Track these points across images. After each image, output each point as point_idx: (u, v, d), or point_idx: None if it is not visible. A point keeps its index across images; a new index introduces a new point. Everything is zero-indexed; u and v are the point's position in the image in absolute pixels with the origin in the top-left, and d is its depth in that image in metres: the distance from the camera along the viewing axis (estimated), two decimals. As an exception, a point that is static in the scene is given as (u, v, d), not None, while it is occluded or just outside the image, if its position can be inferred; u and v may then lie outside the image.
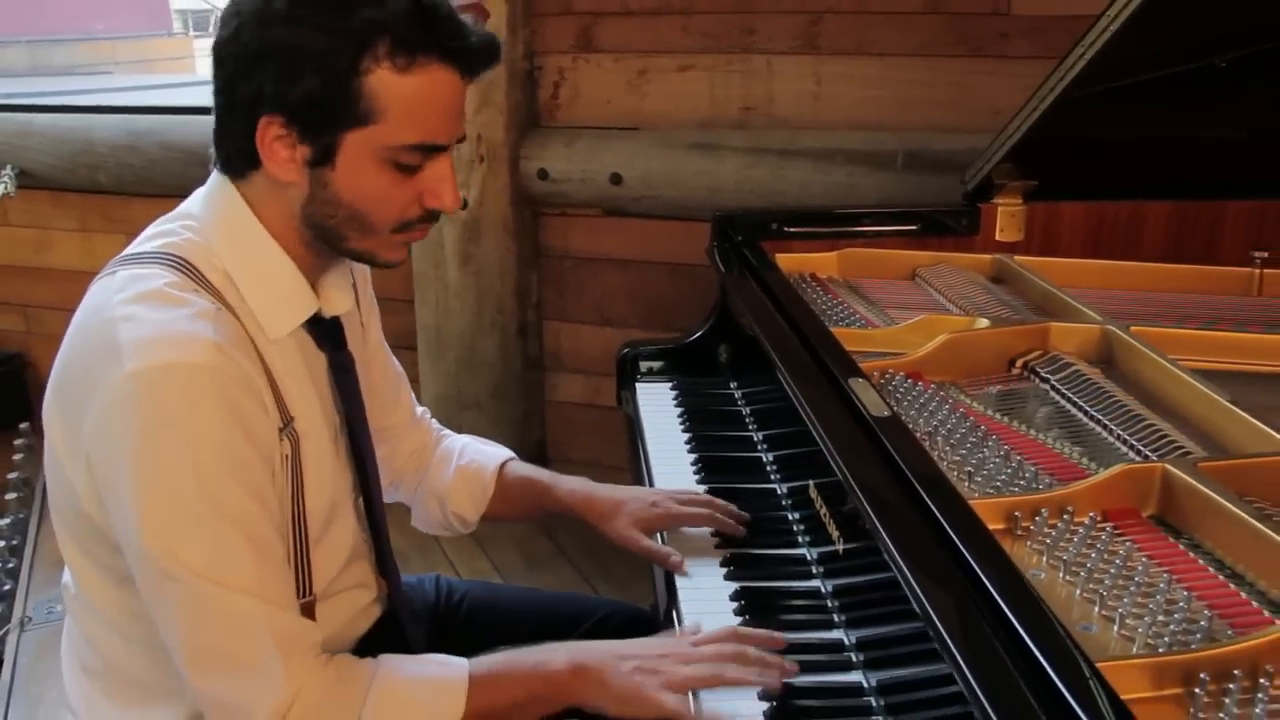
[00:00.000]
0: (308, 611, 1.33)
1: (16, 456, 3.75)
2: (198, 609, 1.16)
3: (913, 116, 2.79)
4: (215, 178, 1.29)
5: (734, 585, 1.45)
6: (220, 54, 1.22)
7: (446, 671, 1.26)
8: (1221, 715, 0.96)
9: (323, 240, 1.28)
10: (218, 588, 1.15)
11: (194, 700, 1.24)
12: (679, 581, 1.47)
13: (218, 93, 1.23)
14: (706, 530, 1.57)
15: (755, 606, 1.40)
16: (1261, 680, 1.00)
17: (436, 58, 1.20)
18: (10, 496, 3.48)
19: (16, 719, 2.59)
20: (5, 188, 3.68)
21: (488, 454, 1.70)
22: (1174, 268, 2.14)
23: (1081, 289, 1.99)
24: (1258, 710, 0.96)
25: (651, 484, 1.74)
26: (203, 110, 3.69)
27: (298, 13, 1.16)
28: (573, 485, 1.65)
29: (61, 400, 1.23)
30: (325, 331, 1.36)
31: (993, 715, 0.90)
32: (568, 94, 3.12)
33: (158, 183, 3.54)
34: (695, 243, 2.31)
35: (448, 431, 1.75)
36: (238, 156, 1.25)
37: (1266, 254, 2.12)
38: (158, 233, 1.29)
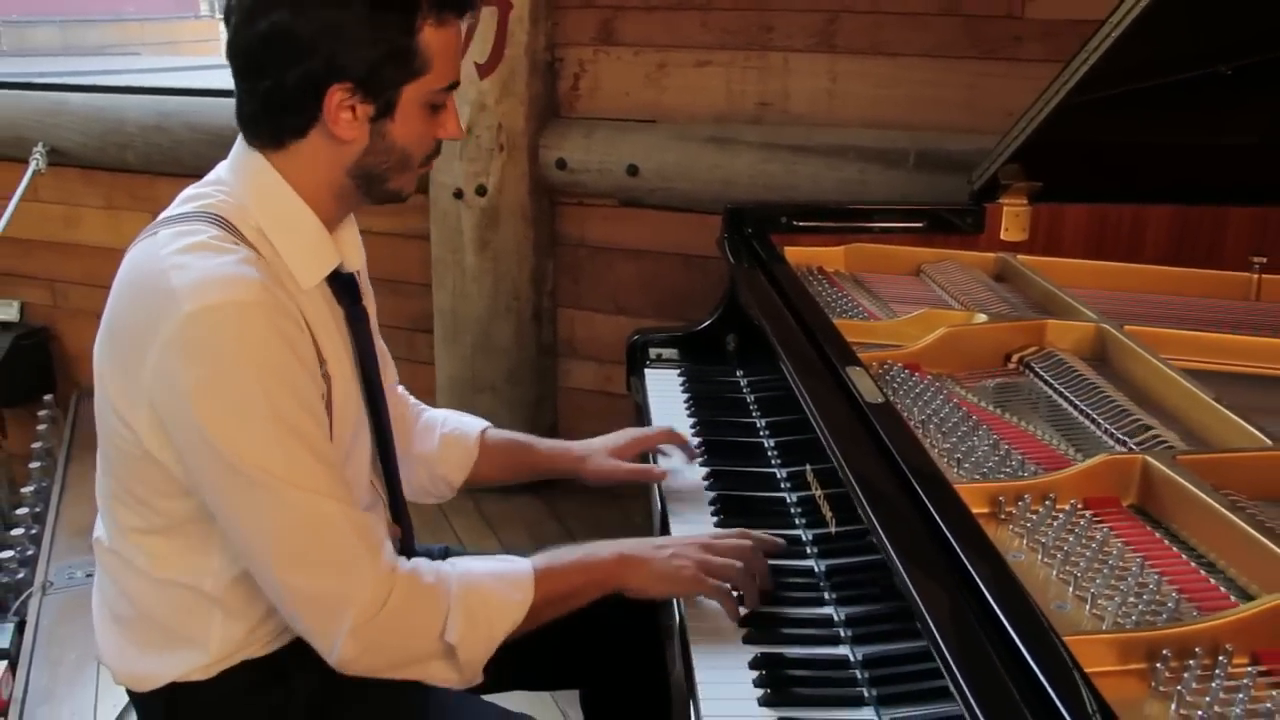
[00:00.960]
0: None
1: (41, 427, 3.83)
2: (284, 512, 1.28)
3: (926, 116, 2.84)
4: (243, 150, 1.40)
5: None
6: (265, 42, 1.31)
7: (514, 567, 1.41)
8: (1180, 689, 1.02)
9: (364, 186, 1.41)
10: (299, 490, 1.28)
11: (286, 606, 1.33)
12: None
13: (262, 76, 1.33)
14: (709, 519, 1.65)
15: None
16: (1220, 658, 1.06)
17: (455, 10, 1.36)
18: (34, 465, 3.57)
19: (38, 679, 2.68)
20: (37, 164, 3.76)
21: (468, 422, 1.81)
22: (1173, 271, 2.19)
23: (1082, 289, 2.04)
24: (1214, 685, 1.02)
25: (661, 498, 1.77)
26: (228, 93, 3.77)
27: None
28: (550, 442, 1.83)
29: (116, 351, 1.33)
30: (343, 286, 1.46)
31: (966, 688, 0.96)
32: (587, 85, 3.19)
33: (184, 163, 3.62)
34: (708, 234, 2.37)
35: (423, 405, 1.85)
36: (287, 130, 1.36)
37: (1265, 260, 2.16)
38: (192, 195, 1.40)
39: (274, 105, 1.35)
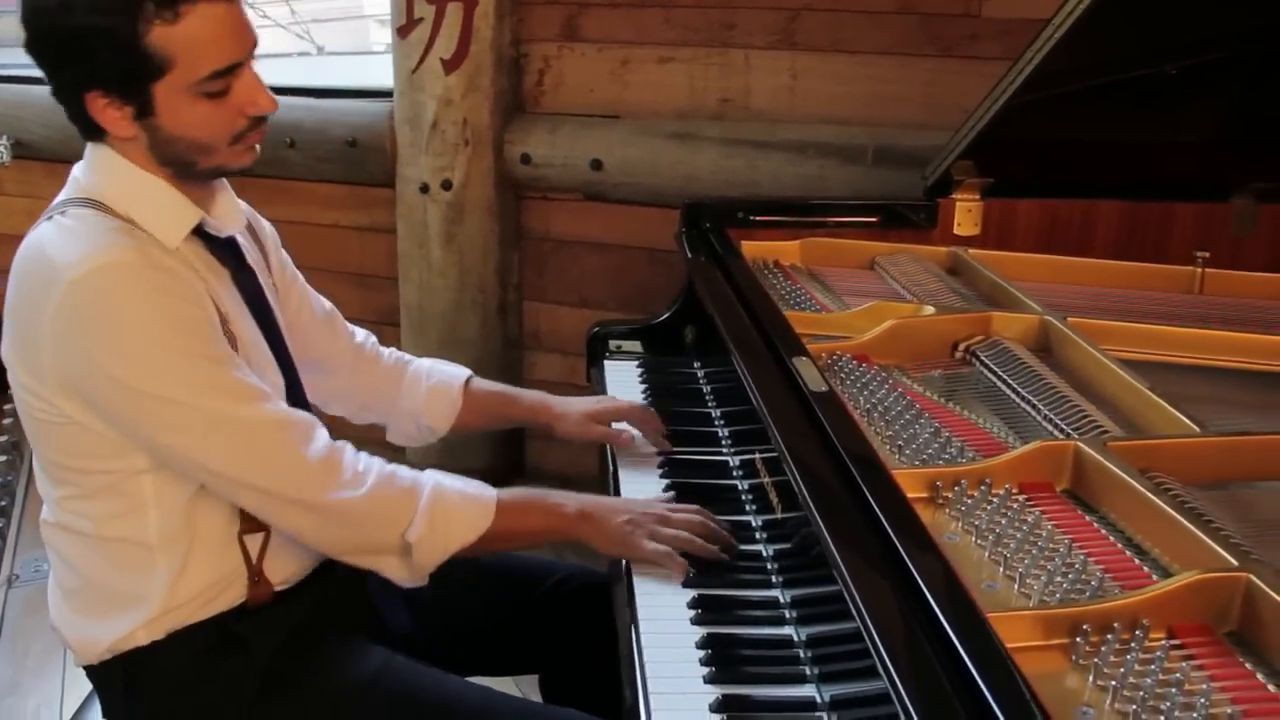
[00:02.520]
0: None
1: (5, 421, 3.83)
2: (213, 425, 1.39)
3: (884, 113, 2.88)
4: (88, 146, 1.49)
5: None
6: (32, 51, 1.41)
7: (481, 491, 1.54)
8: (1097, 661, 1.07)
9: (179, 169, 1.47)
10: (220, 400, 1.39)
11: (251, 506, 1.46)
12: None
13: (46, 80, 1.42)
14: (658, 483, 1.74)
15: (704, 567, 1.50)
16: (1137, 633, 1.11)
17: (178, 4, 1.37)
18: (-1, 459, 3.57)
19: (4, 671, 2.69)
20: (1, 157, 3.76)
21: (452, 372, 1.92)
22: (1120, 265, 2.24)
23: (1032, 282, 2.10)
24: (1128, 658, 1.07)
25: (613, 457, 1.84)
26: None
27: (77, 2, 1.35)
28: (533, 394, 1.96)
29: (17, 335, 1.44)
30: (224, 249, 1.54)
31: (890, 665, 1.00)
32: (552, 81, 3.22)
33: (151, 156, 3.63)
34: (671, 228, 2.40)
35: (409, 356, 1.93)
36: (86, 127, 1.45)
37: (1208, 254, 2.22)
38: (64, 193, 1.49)
39: (68, 113, 1.45)
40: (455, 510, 1.50)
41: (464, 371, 1.92)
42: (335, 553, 1.52)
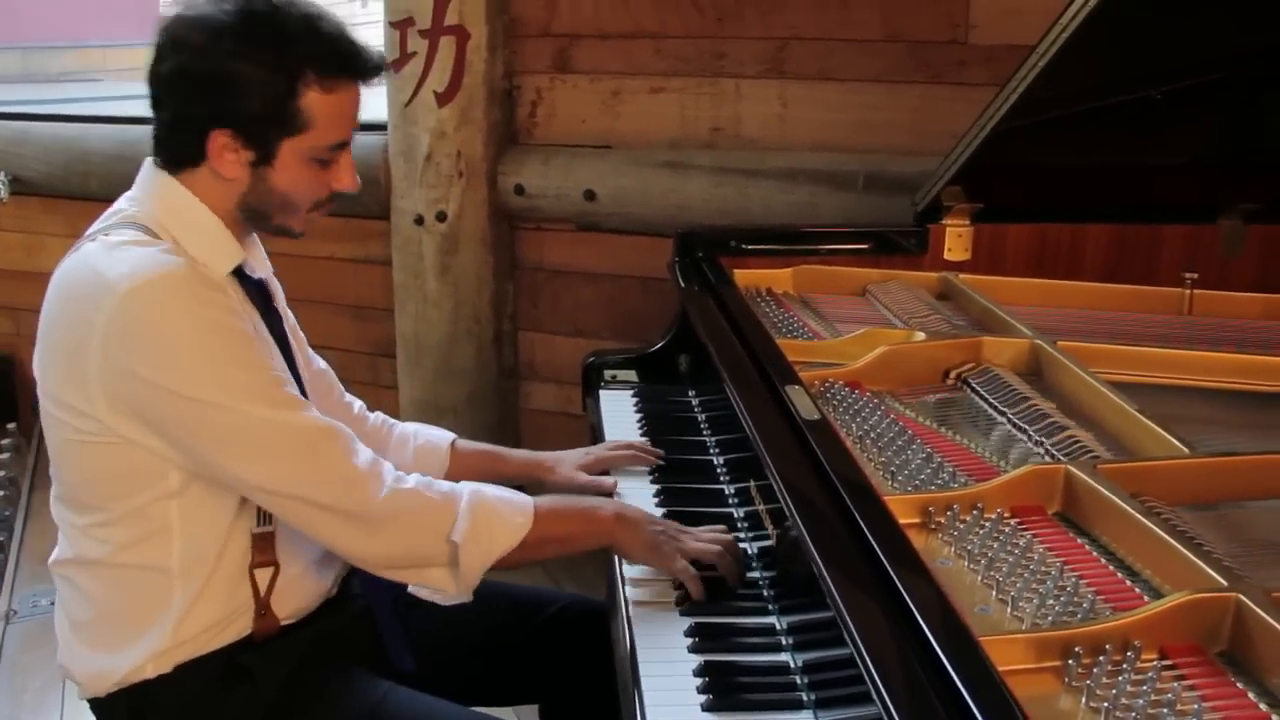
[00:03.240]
0: (267, 541, 1.53)
1: (3, 456, 3.84)
2: (261, 432, 1.42)
3: (873, 139, 2.91)
4: (150, 171, 1.53)
5: (679, 576, 1.56)
6: (168, 79, 1.47)
7: (519, 497, 1.56)
8: (1089, 683, 1.08)
9: (252, 219, 1.55)
10: (269, 408, 1.42)
11: (293, 519, 1.47)
12: (628, 571, 1.59)
13: (162, 108, 1.49)
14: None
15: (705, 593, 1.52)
16: (1129, 654, 1.12)
17: (349, 79, 1.50)
18: (-3, 494, 3.58)
19: (2, 707, 2.69)
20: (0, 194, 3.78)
21: (438, 434, 1.93)
22: (1110, 287, 2.26)
23: (1022, 306, 2.12)
24: (1120, 679, 1.08)
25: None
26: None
27: (244, 49, 1.43)
28: (520, 452, 1.98)
29: (59, 353, 1.46)
30: (255, 288, 1.59)
31: (884, 690, 1.01)
32: (545, 113, 3.24)
33: (147, 192, 3.65)
34: (664, 257, 2.42)
35: (394, 420, 1.95)
36: (183, 158, 1.50)
37: (1196, 275, 2.24)
38: (108, 215, 1.53)
39: (171, 136, 1.50)
40: (496, 513, 1.51)
41: (449, 434, 1.93)
42: (383, 564, 1.52)
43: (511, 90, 3.25)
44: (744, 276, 2.25)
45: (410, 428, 1.93)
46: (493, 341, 3.36)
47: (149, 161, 1.55)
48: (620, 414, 2.13)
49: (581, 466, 1.88)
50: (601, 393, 2.22)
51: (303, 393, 1.59)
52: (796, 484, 1.35)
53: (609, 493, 1.82)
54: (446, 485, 1.52)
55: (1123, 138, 2.26)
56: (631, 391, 2.22)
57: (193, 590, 1.48)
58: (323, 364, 1.85)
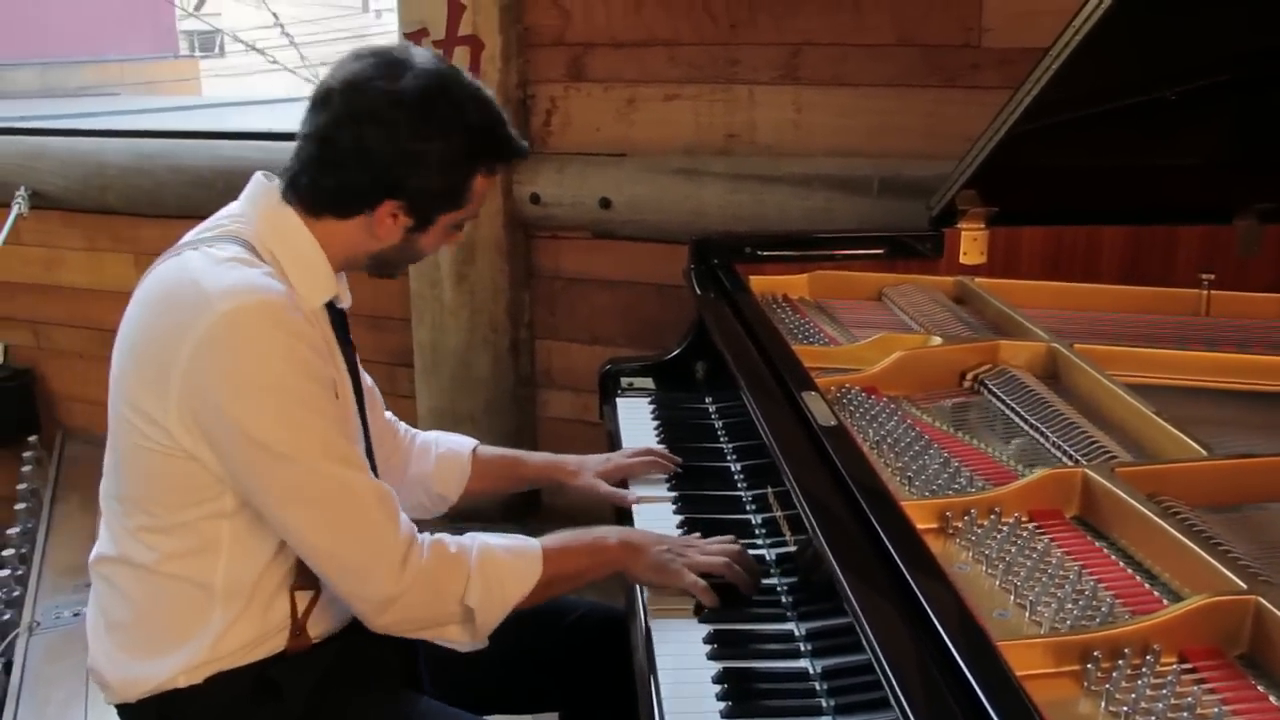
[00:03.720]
0: None
1: (25, 469, 3.86)
2: (316, 484, 1.43)
3: (888, 144, 2.91)
4: (269, 196, 1.56)
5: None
6: (350, 149, 1.50)
7: (525, 544, 1.57)
8: (1108, 687, 1.08)
9: (373, 266, 1.62)
10: (329, 464, 1.44)
11: (325, 573, 1.48)
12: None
13: (332, 172, 1.51)
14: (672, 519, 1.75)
15: (721, 600, 1.52)
16: (1148, 658, 1.12)
17: (503, 163, 1.62)
18: (20, 507, 3.60)
19: (26, 718, 2.70)
20: (19, 208, 3.81)
21: (459, 441, 1.96)
22: (1126, 289, 2.26)
23: (1039, 309, 2.11)
24: (1140, 683, 1.08)
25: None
26: (209, 135, 3.83)
27: (431, 132, 1.49)
28: (540, 455, 1.99)
29: (144, 356, 1.48)
30: (338, 320, 1.61)
31: (903, 696, 1.01)
32: (559, 122, 3.25)
33: (166, 204, 3.68)
34: (680, 264, 2.43)
35: (416, 430, 1.96)
36: (330, 213, 1.54)
37: (1213, 276, 2.23)
38: (211, 225, 1.56)
39: (334, 198, 1.53)
40: (506, 567, 1.53)
41: (470, 441, 1.95)
42: (402, 631, 1.51)
43: (526, 99, 3.26)
44: (760, 283, 2.26)
45: (431, 436, 1.94)
46: (509, 350, 3.37)
47: (266, 185, 1.57)
48: (637, 421, 2.13)
49: (601, 474, 1.89)
50: (618, 400, 2.23)
51: (366, 432, 1.64)
52: (813, 490, 1.35)
53: (629, 507, 1.82)
54: (455, 545, 1.52)
55: (1137, 139, 2.25)
56: (648, 399, 2.22)
57: (234, 609, 1.50)
58: (369, 380, 1.86)
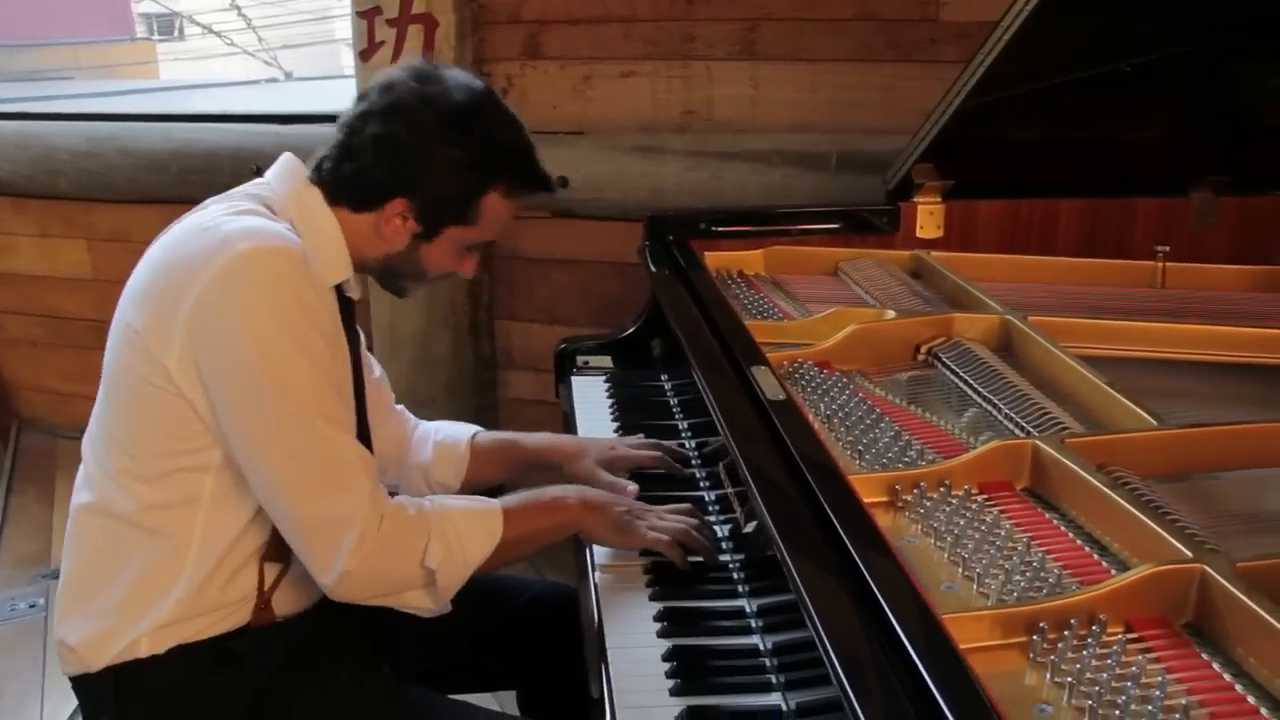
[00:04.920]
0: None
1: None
2: (305, 437, 1.42)
3: (846, 119, 2.90)
4: (300, 177, 1.56)
5: (649, 559, 1.56)
6: (374, 139, 1.51)
7: (485, 504, 1.56)
8: (1054, 658, 1.07)
9: (382, 273, 1.62)
10: (321, 420, 1.43)
11: (293, 533, 1.46)
12: (598, 557, 1.58)
13: (354, 159, 1.52)
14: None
15: (669, 578, 1.51)
16: (1094, 628, 1.11)
17: (526, 192, 1.60)
18: (-27, 498, 3.55)
19: (-20, 714, 2.67)
20: (-33, 194, 3.75)
21: (459, 429, 1.93)
22: (1082, 262, 2.26)
23: (995, 282, 2.10)
24: (1085, 653, 1.07)
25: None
26: (163, 117, 3.77)
27: (455, 138, 1.50)
28: (539, 436, 1.93)
29: (155, 291, 1.46)
30: (345, 306, 1.58)
31: (843, 674, 1.00)
32: (515, 100, 3.20)
33: (118, 188, 3.62)
34: (639, 242, 2.41)
35: (417, 419, 1.94)
36: (348, 202, 1.54)
37: (1169, 248, 2.23)
38: (234, 189, 1.57)
39: (349, 185, 1.54)
40: (466, 528, 1.51)
41: (469, 428, 1.92)
42: (361, 596, 1.49)
43: (481, 77, 3.21)
44: (715, 259, 2.24)
45: (431, 426, 1.93)
46: (469, 331, 3.35)
47: (295, 163, 1.58)
48: (592, 400, 2.12)
49: (603, 461, 1.81)
50: (573, 379, 2.21)
51: (361, 416, 1.60)
52: (759, 464, 1.34)
53: (631, 497, 1.74)
54: (414, 508, 1.50)
55: (1094, 112, 2.25)
56: (604, 377, 2.21)
57: (203, 571, 1.48)
58: (379, 371, 1.85)
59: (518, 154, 1.57)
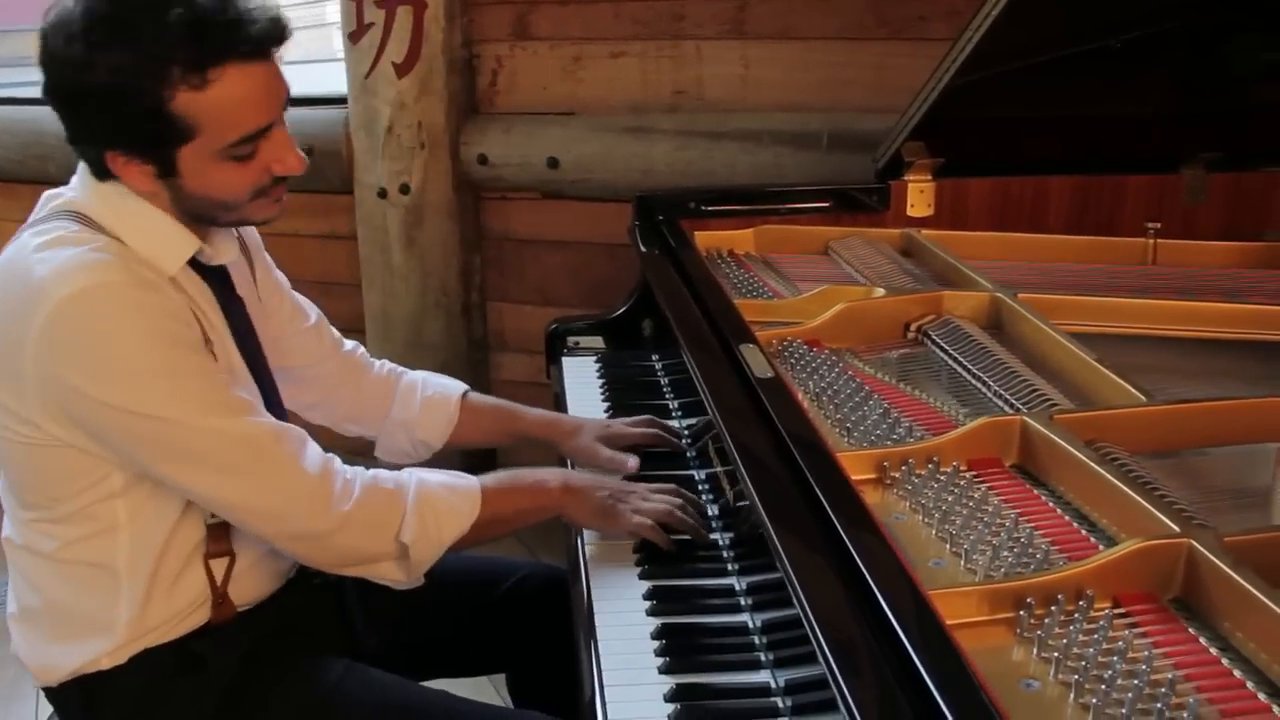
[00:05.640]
0: (222, 530, 1.49)
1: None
2: (206, 440, 1.36)
3: (836, 98, 2.88)
4: (84, 168, 1.43)
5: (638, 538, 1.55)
6: (50, 96, 1.35)
7: (464, 482, 1.52)
8: (1040, 633, 1.07)
9: (199, 219, 1.44)
10: (212, 418, 1.36)
11: (242, 524, 1.44)
12: (588, 536, 1.57)
13: (68, 130, 1.37)
14: None
15: (658, 557, 1.51)
16: (1081, 603, 1.11)
17: (226, 62, 1.31)
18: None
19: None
20: (-45, 180, 3.73)
21: (449, 385, 1.86)
22: (1073, 239, 2.25)
23: (985, 261, 2.09)
24: (1072, 629, 1.07)
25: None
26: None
27: (93, 57, 1.28)
28: (536, 411, 1.88)
29: None
30: (214, 277, 1.50)
31: (828, 650, 1.00)
32: (505, 81, 3.21)
33: (107, 173, 3.60)
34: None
35: (403, 369, 1.88)
36: (101, 171, 1.39)
37: (1159, 225, 2.23)
38: (50, 196, 1.45)
39: (87, 160, 1.40)
40: (443, 504, 1.48)
41: (460, 385, 1.87)
42: (331, 566, 1.49)
43: (471, 59, 3.21)
44: (705, 239, 2.23)
45: (419, 376, 1.86)
46: (461, 313, 3.34)
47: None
48: (583, 381, 2.11)
49: (602, 439, 1.78)
50: (564, 360, 2.20)
51: (268, 390, 1.55)
52: (746, 442, 1.33)
53: (631, 474, 1.72)
54: (391, 481, 1.47)
55: (1084, 88, 2.24)
56: (595, 357, 2.20)
57: (140, 587, 1.44)
58: (315, 313, 1.78)
59: (162, 30, 1.28)
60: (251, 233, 1.68)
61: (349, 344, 1.84)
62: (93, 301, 1.31)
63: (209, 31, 1.30)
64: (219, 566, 1.49)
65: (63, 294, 1.30)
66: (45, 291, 1.31)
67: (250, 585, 1.53)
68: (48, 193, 1.46)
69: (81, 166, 1.44)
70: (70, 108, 1.35)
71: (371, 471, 1.48)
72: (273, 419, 1.45)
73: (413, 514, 1.46)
